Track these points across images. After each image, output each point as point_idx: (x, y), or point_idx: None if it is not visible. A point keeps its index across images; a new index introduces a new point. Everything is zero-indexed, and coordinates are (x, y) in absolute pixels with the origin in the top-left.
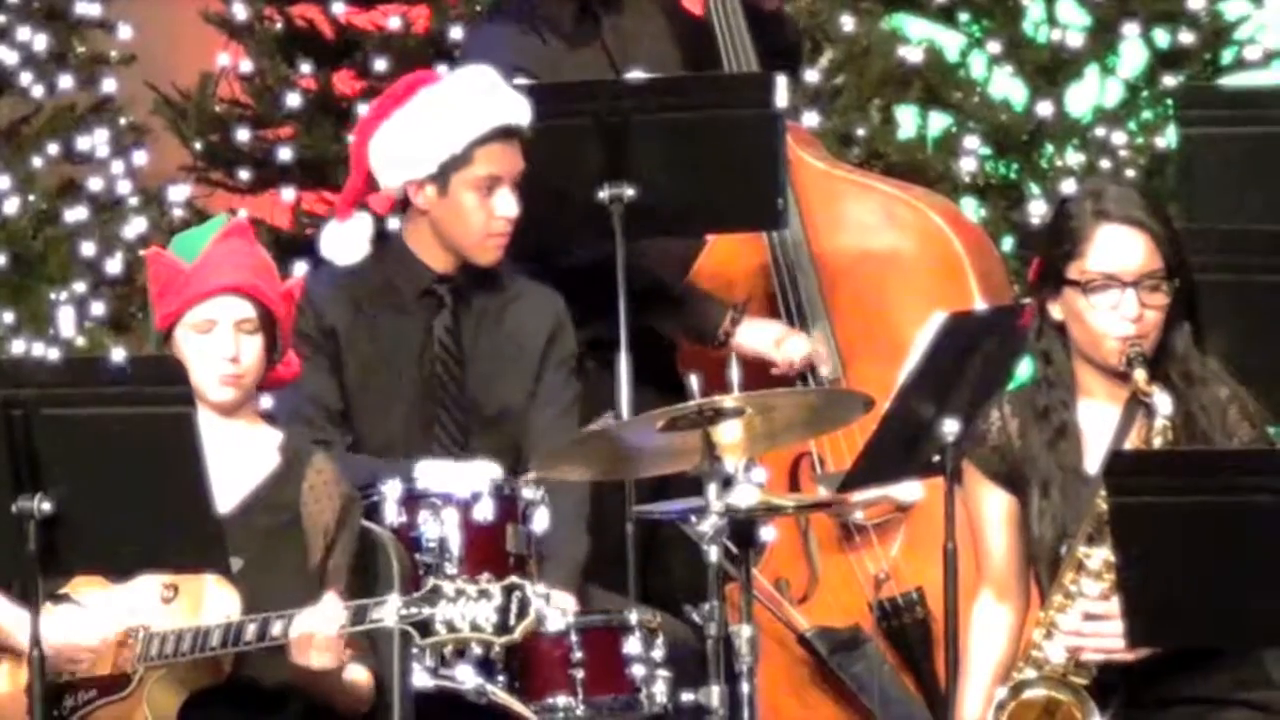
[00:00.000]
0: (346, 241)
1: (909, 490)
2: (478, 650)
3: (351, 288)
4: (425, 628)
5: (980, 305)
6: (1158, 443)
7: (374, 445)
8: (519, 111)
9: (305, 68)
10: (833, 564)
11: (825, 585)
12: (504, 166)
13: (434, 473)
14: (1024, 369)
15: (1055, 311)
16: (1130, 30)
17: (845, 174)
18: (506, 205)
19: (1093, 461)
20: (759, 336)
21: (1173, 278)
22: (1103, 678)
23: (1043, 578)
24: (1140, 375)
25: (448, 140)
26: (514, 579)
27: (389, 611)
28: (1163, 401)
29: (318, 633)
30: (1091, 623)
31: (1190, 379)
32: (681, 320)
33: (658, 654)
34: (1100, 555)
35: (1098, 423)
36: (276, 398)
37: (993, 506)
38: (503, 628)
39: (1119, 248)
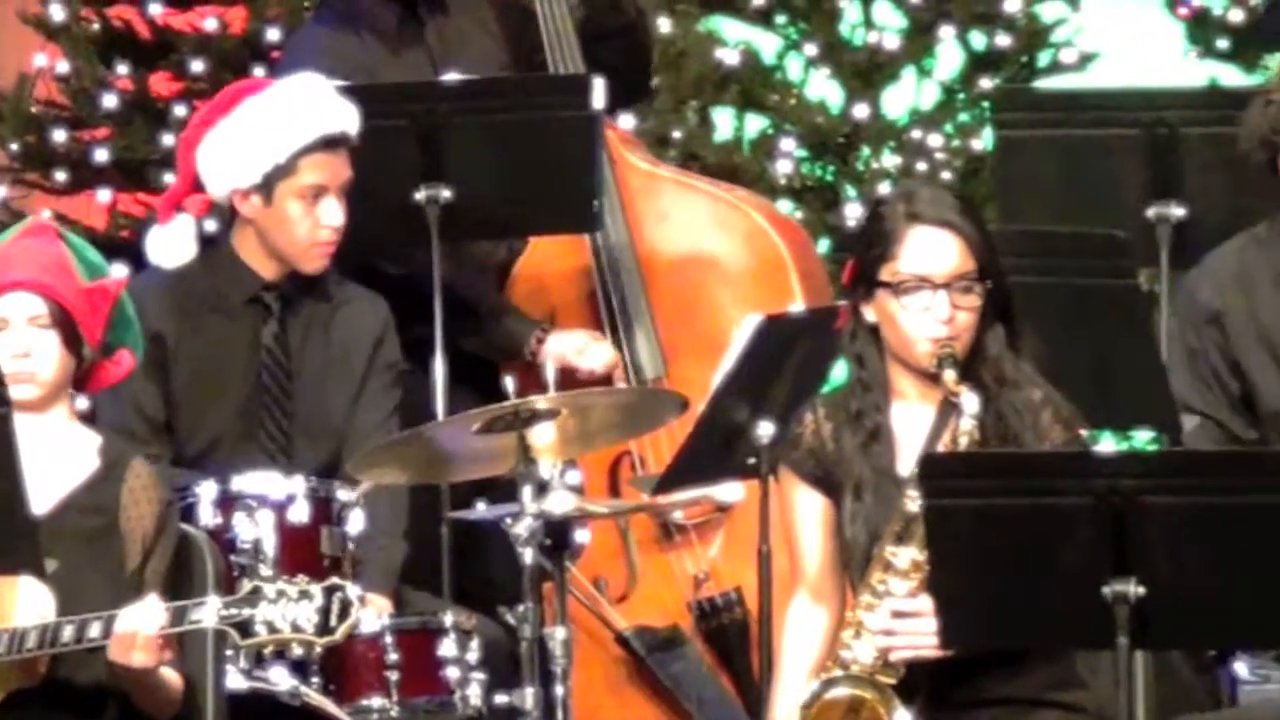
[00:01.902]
0: (172, 244)
1: (729, 491)
2: (299, 651)
3: (179, 293)
4: (245, 628)
5: (800, 305)
6: (964, 443)
7: (200, 452)
8: (346, 120)
9: (122, 69)
10: (652, 563)
11: (644, 584)
12: (329, 176)
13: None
14: (841, 372)
15: (869, 314)
16: (947, 33)
17: (669, 174)
18: (332, 214)
19: (906, 464)
20: (563, 346)
21: (985, 279)
22: (911, 677)
23: (856, 580)
24: (950, 376)
25: (272, 150)
26: (335, 580)
27: (209, 612)
28: (969, 401)
29: (139, 631)
30: (900, 621)
31: (1003, 381)
32: (488, 341)
33: (472, 656)
34: (907, 555)
35: (911, 425)
36: (100, 403)
37: (807, 510)
38: (324, 629)
39: (931, 249)
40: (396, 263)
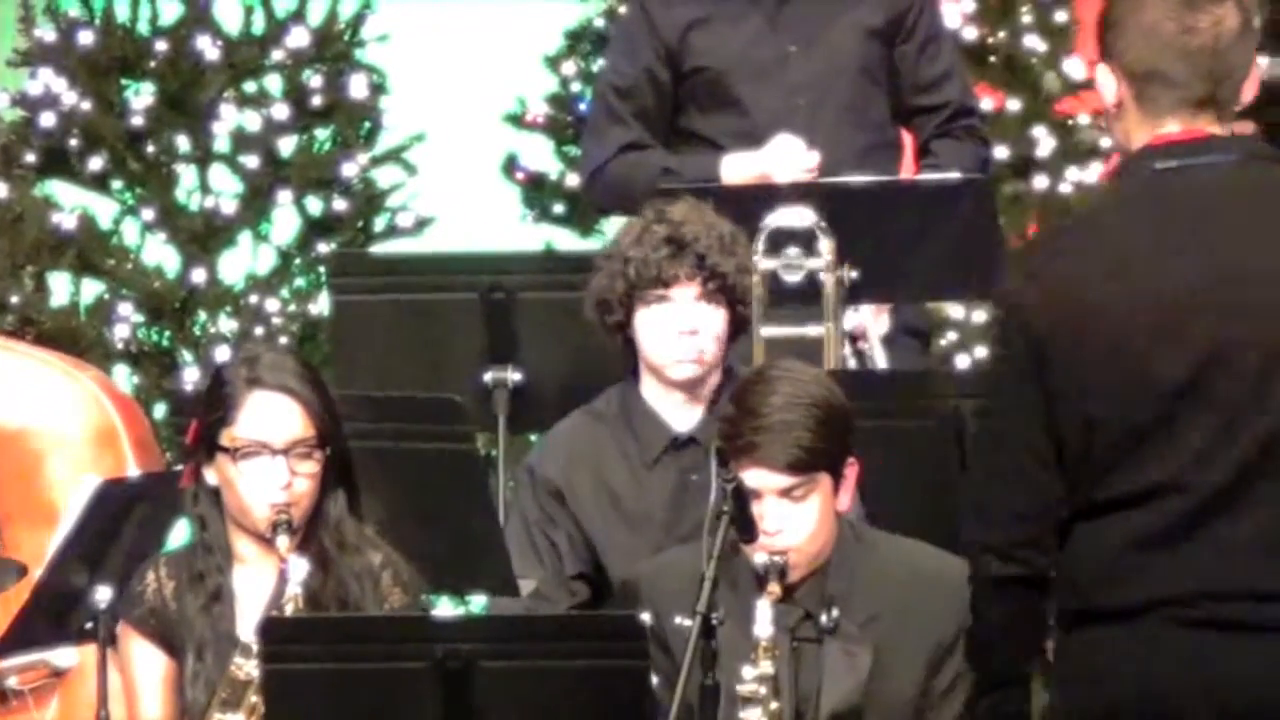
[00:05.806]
0: None
1: (64, 656)
2: None
3: None
4: None
5: (135, 471)
6: (289, 609)
7: None
8: None
9: None
10: None
11: None
12: None
13: None
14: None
15: (210, 476)
16: (284, 197)
17: (1, 341)
18: None
19: (246, 627)
20: None
21: (325, 446)
22: None
23: None
24: (282, 542)
25: None
26: None
27: None
28: (296, 567)
29: None
30: None
31: (344, 546)
32: None
33: None
34: None
35: (253, 589)
36: None
37: (148, 667)
38: None
39: (269, 415)
40: None
